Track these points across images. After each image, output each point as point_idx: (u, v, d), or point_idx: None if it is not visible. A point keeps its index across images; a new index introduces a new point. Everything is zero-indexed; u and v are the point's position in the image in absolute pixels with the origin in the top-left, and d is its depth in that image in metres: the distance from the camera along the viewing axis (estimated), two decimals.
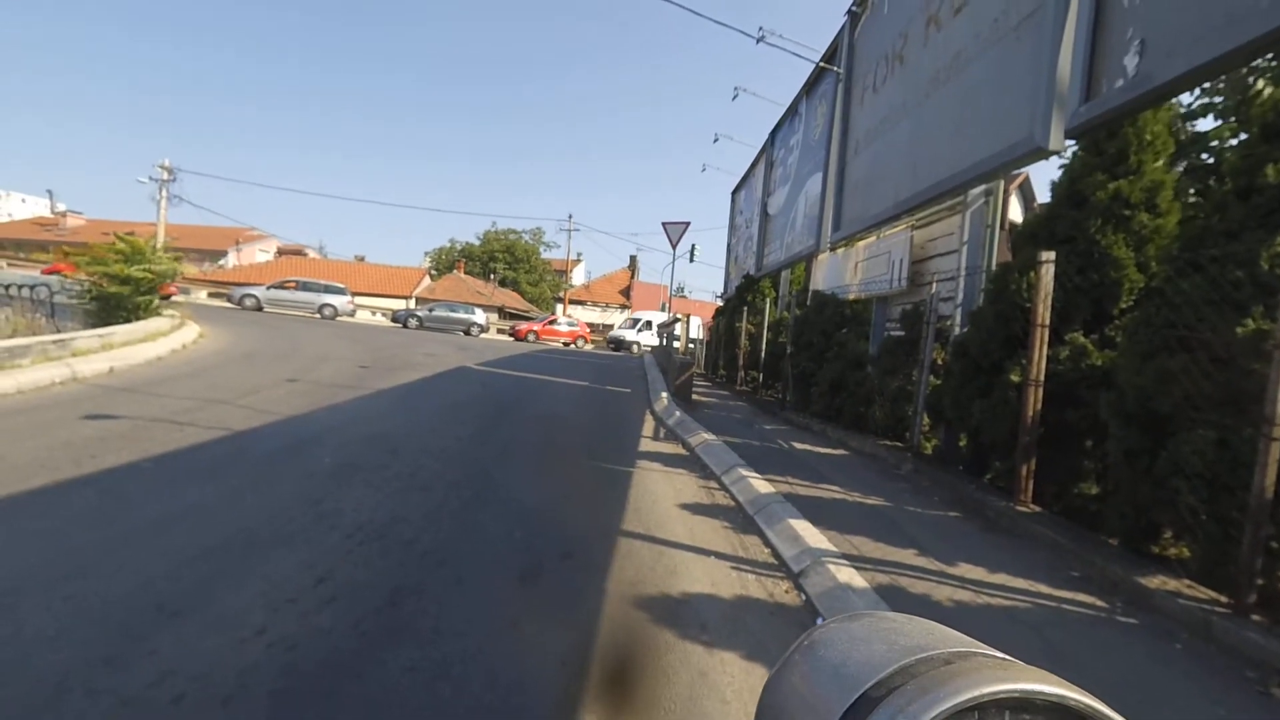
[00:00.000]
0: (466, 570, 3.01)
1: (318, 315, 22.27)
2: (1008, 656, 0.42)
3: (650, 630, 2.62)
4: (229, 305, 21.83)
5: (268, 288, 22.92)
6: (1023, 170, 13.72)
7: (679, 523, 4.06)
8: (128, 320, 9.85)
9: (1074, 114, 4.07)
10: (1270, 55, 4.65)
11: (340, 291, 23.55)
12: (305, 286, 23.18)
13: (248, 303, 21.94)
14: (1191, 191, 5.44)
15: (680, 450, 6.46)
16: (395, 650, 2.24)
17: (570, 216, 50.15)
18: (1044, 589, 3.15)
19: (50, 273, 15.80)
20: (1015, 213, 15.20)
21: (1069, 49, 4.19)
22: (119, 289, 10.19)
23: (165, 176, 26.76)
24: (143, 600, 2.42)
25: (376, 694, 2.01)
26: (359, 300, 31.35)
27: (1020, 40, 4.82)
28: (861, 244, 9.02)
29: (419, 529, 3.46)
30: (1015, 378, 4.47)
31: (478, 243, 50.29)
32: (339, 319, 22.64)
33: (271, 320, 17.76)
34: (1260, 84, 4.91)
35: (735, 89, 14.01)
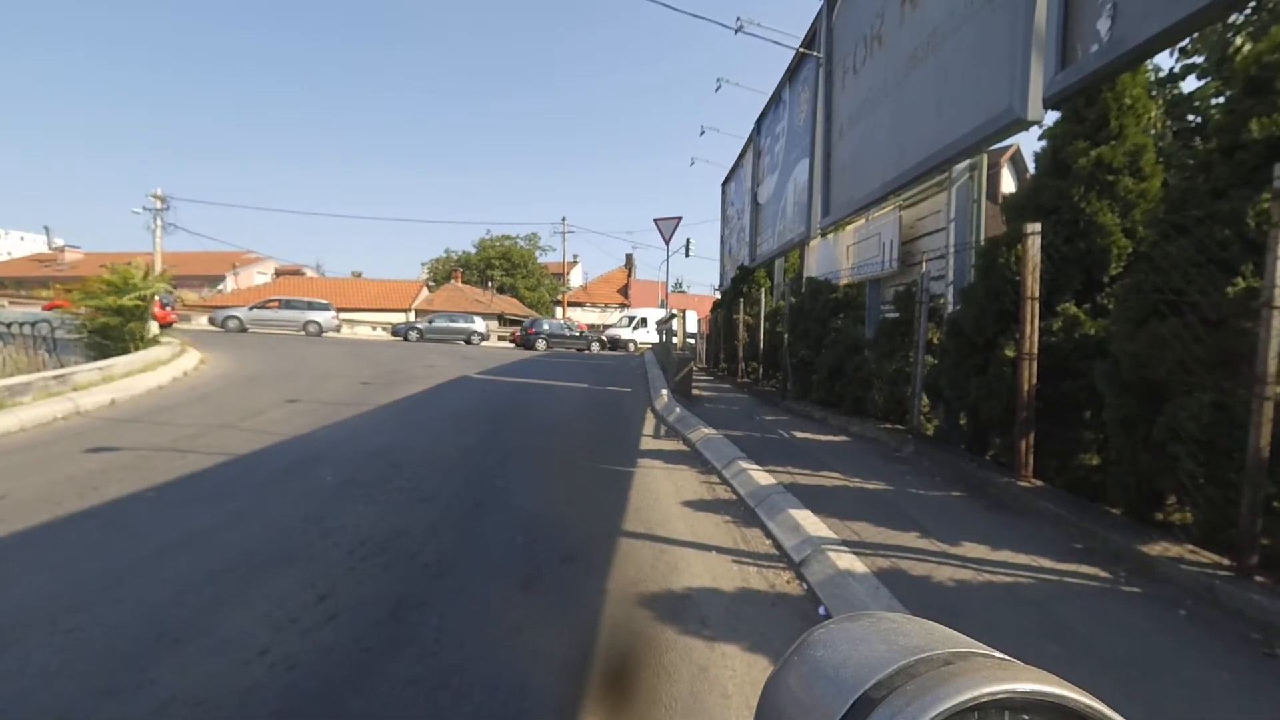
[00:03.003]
0: (468, 580, 3.02)
1: (303, 333, 22.06)
2: (1007, 657, 0.42)
3: (652, 628, 2.62)
4: (214, 328, 21.55)
5: (250, 308, 22.65)
6: (1013, 142, 13.63)
7: (680, 519, 4.06)
8: (127, 351, 9.92)
9: (1051, 82, 4.04)
10: (1246, 10, 4.60)
11: (324, 308, 23.35)
12: (289, 305, 22.96)
13: (231, 324, 21.66)
14: (1189, 160, 5.39)
15: (681, 446, 6.46)
16: (397, 663, 2.25)
17: (564, 219, 50.21)
18: (1047, 563, 3.14)
19: (51, 309, 15.93)
20: (1009, 185, 15.12)
21: (1043, 17, 4.16)
22: (109, 319, 10.27)
23: (159, 205, 26.87)
24: (146, 629, 2.43)
25: (378, 708, 2.02)
26: (358, 316, 31.45)
27: (995, 12, 4.78)
28: (851, 228, 8.98)
29: (421, 541, 3.47)
30: (1009, 353, 4.45)
31: (474, 251, 50.35)
32: (326, 335, 22.43)
33: (271, 341, 17.81)
34: (1239, 40, 4.86)
35: (718, 80, 13.95)
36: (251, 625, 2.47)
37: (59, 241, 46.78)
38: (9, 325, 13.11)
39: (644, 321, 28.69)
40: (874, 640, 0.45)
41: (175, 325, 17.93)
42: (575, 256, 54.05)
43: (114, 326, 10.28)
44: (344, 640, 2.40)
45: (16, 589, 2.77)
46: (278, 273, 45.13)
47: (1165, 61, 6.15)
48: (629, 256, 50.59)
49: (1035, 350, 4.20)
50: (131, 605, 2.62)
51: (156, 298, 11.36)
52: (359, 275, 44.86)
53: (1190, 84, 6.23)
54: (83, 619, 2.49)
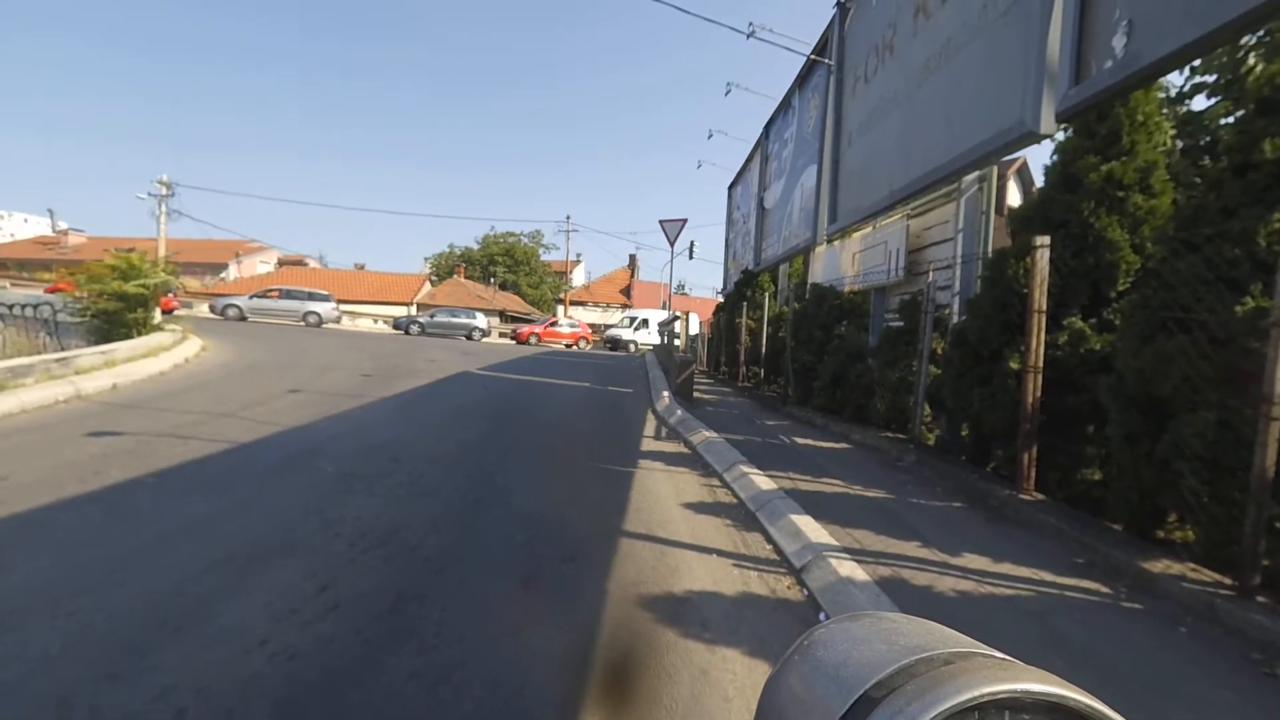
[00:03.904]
0: (469, 575, 3.02)
1: (302, 323, 21.90)
2: (1007, 657, 0.42)
3: (652, 630, 2.62)
4: (214, 316, 21.35)
5: (250, 297, 22.45)
6: (1020, 155, 13.64)
7: (681, 522, 4.06)
8: (129, 336, 9.91)
9: (1064, 97, 4.04)
10: (1260, 30, 4.61)
11: (325, 298, 23.15)
12: (289, 295, 22.77)
13: (230, 313, 21.48)
14: (1197, 179, 5.40)
15: (682, 449, 6.46)
16: (397, 657, 2.25)
17: (568, 218, 50.29)
18: (1048, 577, 3.14)
19: (53, 291, 15.93)
20: (1015, 198, 15.14)
21: (1057, 32, 4.16)
22: (113, 305, 10.27)
23: (164, 192, 26.89)
24: (147, 615, 2.43)
25: (378, 701, 2.01)
26: (359, 308, 31.44)
27: (1009, 25, 4.79)
28: (858, 235, 8.99)
29: (421, 536, 3.46)
30: (1014, 365, 4.45)
31: (477, 247, 50.36)
32: (326, 326, 22.25)
33: (271, 331, 17.80)
34: (1252, 59, 4.87)
35: (728, 84, 13.98)
36: (252, 614, 2.47)
37: (63, 225, 46.79)
38: (10, 307, 13.10)
39: (645, 322, 28.66)
40: (874, 640, 0.45)
41: (176, 312, 17.95)
42: (578, 255, 54.15)
43: (117, 311, 10.28)
44: (344, 632, 2.40)
45: (17, 573, 2.77)
46: (280, 262, 45.12)
47: (1174, 79, 6.17)
48: (632, 257, 50.60)
49: (1040, 363, 4.20)
50: (133, 591, 2.62)
51: (170, 291, 11.38)
52: (361, 267, 44.91)
53: (1199, 102, 6.26)
54: (83, 604, 2.48)
